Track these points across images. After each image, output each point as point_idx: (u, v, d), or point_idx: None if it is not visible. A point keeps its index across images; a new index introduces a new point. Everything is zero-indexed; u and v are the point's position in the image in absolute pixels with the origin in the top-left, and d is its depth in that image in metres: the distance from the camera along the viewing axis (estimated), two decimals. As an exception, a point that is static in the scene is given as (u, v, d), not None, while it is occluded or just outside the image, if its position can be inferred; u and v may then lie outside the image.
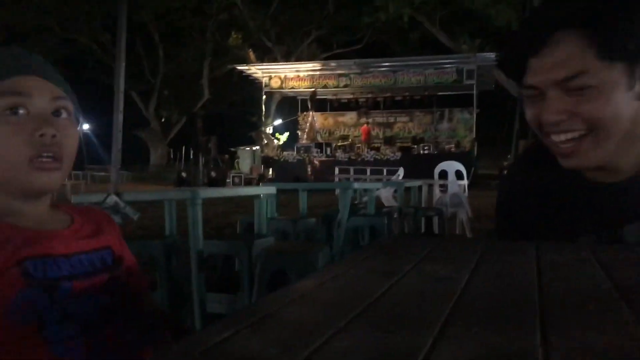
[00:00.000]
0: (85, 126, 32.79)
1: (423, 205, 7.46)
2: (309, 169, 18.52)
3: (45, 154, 0.83)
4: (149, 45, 27.49)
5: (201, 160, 21.67)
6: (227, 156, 24.86)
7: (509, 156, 18.91)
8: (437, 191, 7.68)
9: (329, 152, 18.83)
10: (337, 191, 12.40)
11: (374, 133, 21.11)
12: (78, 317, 0.80)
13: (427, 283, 0.73)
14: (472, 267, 0.83)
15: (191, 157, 22.55)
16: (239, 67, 21.09)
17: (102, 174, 23.98)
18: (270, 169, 19.55)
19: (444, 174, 7.62)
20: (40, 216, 0.89)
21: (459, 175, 7.55)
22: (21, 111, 0.83)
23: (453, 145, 18.70)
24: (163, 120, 30.44)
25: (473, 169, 14.86)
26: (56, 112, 0.87)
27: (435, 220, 5.76)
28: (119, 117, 2.99)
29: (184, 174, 20.87)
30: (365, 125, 20.79)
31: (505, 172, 1.38)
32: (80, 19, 25.15)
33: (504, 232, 1.30)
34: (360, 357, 0.43)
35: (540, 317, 0.54)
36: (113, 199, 1.68)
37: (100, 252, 0.91)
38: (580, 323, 0.54)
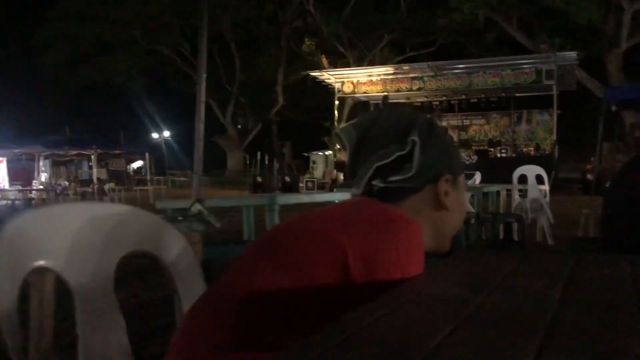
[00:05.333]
0: (166, 133, 34.21)
1: (501, 210, 7.24)
2: (381, 174, 18.41)
3: None
4: (226, 55, 28.34)
5: (275, 165, 22.06)
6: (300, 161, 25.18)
7: (592, 159, 18.01)
8: (516, 196, 7.43)
9: (402, 156, 18.64)
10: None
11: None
12: None
13: (517, 300, 0.71)
14: (563, 283, 0.80)
15: (266, 162, 23.00)
16: (312, 74, 21.32)
17: (182, 179, 24.96)
18: (342, 174, 19.59)
19: (523, 179, 7.36)
20: None
21: (539, 179, 7.26)
22: None
23: (532, 148, 18.04)
24: (239, 127, 31.26)
25: (554, 172, 14.26)
26: None
27: (515, 226, 5.57)
28: (200, 127, 3.10)
29: (259, 179, 21.30)
30: (444, 129, 20.58)
31: (618, 176, 1.30)
32: (162, 31, 26.32)
33: (613, 243, 1.23)
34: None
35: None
36: (197, 207, 1.75)
37: None
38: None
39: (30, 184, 19.75)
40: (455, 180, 1.02)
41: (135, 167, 25.92)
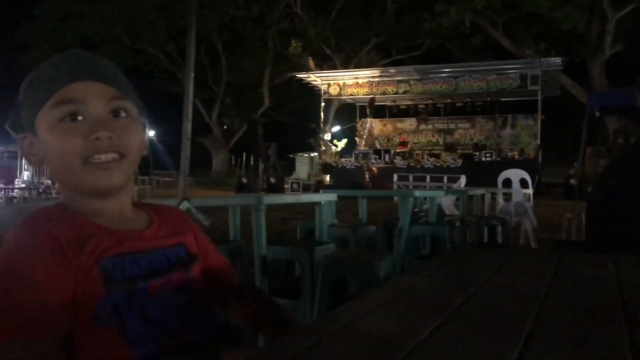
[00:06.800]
0: (151, 133, 33.99)
1: (486, 214, 7.29)
2: (366, 176, 18.46)
3: (99, 155, 0.85)
4: (212, 55, 28.21)
5: (261, 166, 22.01)
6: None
7: (575, 164, 18.22)
8: (500, 200, 7.49)
9: (387, 158, 18.71)
10: (396, 198, 12.30)
11: (434, 140, 20.94)
12: (156, 320, 0.83)
13: (503, 297, 0.72)
14: (547, 281, 0.81)
15: (251, 163, 22.95)
16: (299, 75, 21.32)
17: (167, 179, 24.82)
18: (328, 176, 19.60)
19: (507, 182, 7.43)
20: (120, 215, 0.92)
21: (523, 183, 7.33)
22: (79, 117, 0.86)
23: (516, 153, 18.19)
24: (225, 127, 31.13)
25: (537, 177, 14.39)
26: (115, 113, 0.89)
27: (499, 229, 5.61)
28: (187, 126, 3.08)
29: (244, 180, 21.23)
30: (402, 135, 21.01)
31: (598, 181, 1.32)
32: (147, 30, 26.14)
33: (595, 246, 1.24)
34: (447, 370, 0.43)
35: (629, 339, 0.52)
36: (186, 205, 1.74)
37: (175, 248, 0.94)
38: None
39: (12, 182, 19.49)
40: (33, 132, 0.88)
41: (119, 167, 25.65)
